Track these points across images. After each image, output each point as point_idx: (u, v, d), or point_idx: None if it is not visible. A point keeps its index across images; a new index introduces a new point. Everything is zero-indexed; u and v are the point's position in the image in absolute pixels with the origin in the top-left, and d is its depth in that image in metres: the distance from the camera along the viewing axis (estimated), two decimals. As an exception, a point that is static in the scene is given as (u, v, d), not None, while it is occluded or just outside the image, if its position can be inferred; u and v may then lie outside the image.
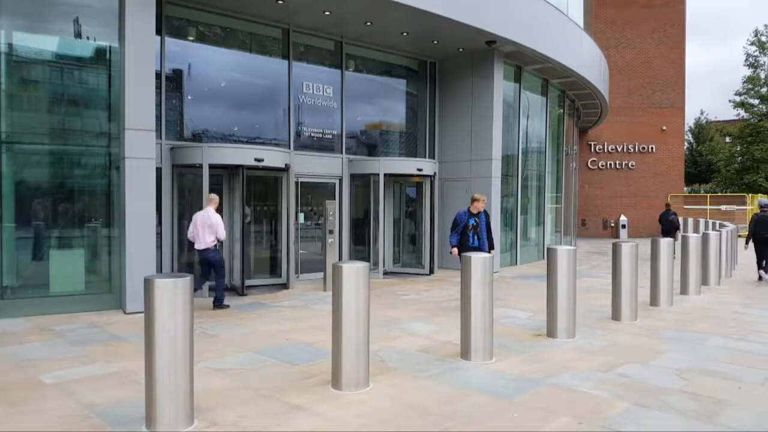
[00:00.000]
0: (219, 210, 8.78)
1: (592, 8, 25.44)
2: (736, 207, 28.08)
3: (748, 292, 10.50)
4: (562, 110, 18.31)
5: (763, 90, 34.80)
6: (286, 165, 10.31)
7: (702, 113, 60.42)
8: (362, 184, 12.70)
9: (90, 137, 8.60)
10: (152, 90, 8.34)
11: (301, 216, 11.62)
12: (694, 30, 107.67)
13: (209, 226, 8.35)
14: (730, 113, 37.50)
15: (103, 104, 8.67)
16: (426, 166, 12.42)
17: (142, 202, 8.17)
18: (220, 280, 8.56)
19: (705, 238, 10.97)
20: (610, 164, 27.47)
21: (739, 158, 37.38)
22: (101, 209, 8.72)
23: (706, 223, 20.29)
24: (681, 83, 27.46)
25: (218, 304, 8.55)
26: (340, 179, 12.27)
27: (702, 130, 48.40)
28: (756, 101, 35.26)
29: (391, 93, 13.83)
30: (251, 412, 4.32)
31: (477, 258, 5.71)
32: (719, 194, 34.11)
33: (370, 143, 13.40)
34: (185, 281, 3.91)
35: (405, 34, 11.91)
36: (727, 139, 40.24)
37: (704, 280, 10.77)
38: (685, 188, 36.65)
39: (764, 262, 12.12)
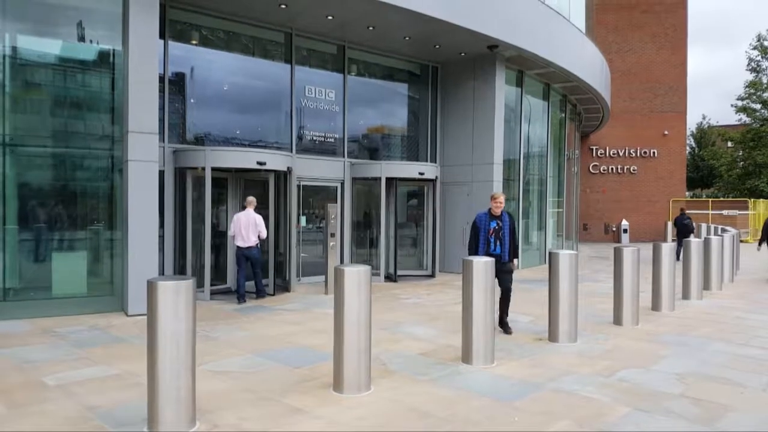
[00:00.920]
0: (221, 212, 8.87)
1: (593, 13, 25.49)
2: (738, 212, 28.05)
3: (750, 297, 10.49)
4: (563, 114, 18.33)
5: (766, 95, 34.80)
6: (288, 168, 10.34)
7: (704, 118, 60.35)
8: (364, 187, 12.72)
9: (93, 140, 8.63)
10: (155, 93, 8.37)
11: (303, 219, 11.64)
12: (698, 35, 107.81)
13: (254, 226, 9.25)
14: (733, 118, 37.52)
15: (106, 107, 8.70)
16: (428, 169, 12.43)
17: (144, 204, 8.19)
18: (260, 274, 9.61)
19: (707, 243, 10.97)
20: (612, 168, 27.46)
21: (741, 163, 37.37)
22: (104, 212, 8.75)
23: (708, 228, 20.26)
24: (683, 88, 27.46)
25: (261, 294, 9.61)
26: (342, 182, 12.29)
27: (704, 135, 48.38)
28: (758, 106, 35.26)
29: (393, 97, 13.87)
30: (252, 415, 4.34)
31: (479, 262, 5.72)
32: (721, 199, 34.10)
33: (371, 147, 13.43)
34: (188, 284, 3.93)
35: (407, 38, 11.95)
36: (729, 144, 40.24)
37: (706, 285, 10.76)
38: (687, 193, 36.61)
39: None
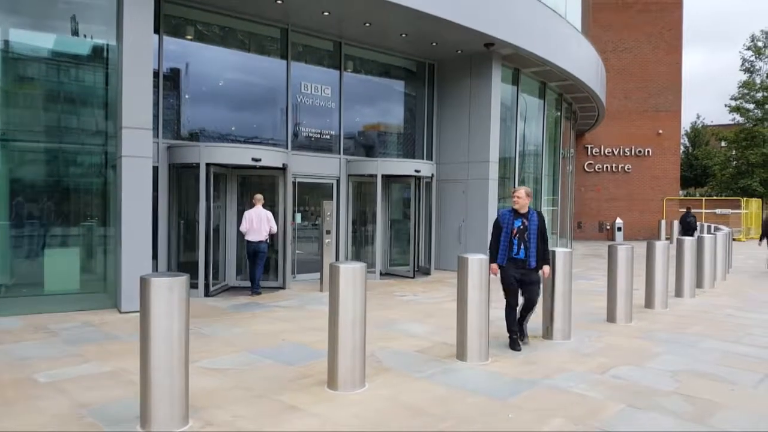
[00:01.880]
0: (216, 209, 8.83)
1: (589, 12, 25.50)
2: (731, 211, 28.19)
3: (742, 295, 10.54)
4: (559, 113, 18.36)
5: (759, 95, 34.98)
6: (283, 165, 10.31)
7: (698, 117, 60.60)
8: (360, 184, 12.70)
9: (86, 135, 8.58)
10: (150, 88, 8.33)
11: (299, 216, 11.62)
12: (698, 35, 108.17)
13: (265, 221, 9.72)
14: (727, 117, 37.71)
15: (100, 102, 8.65)
16: (424, 167, 12.43)
17: (138, 200, 8.15)
18: (261, 268, 9.90)
19: (700, 242, 11.02)
20: (607, 167, 27.53)
21: (734, 162, 37.57)
22: (97, 208, 8.71)
23: (701, 227, 20.36)
24: (677, 87, 27.55)
25: (256, 288, 9.80)
26: (337, 180, 12.27)
27: (698, 134, 48.60)
28: (751, 106, 35.44)
29: (389, 94, 13.84)
30: (246, 412, 4.32)
31: (473, 259, 5.72)
32: (714, 198, 34.26)
33: (368, 144, 13.41)
34: (181, 280, 3.91)
35: (404, 35, 11.92)
36: (723, 144, 40.44)
37: (699, 283, 10.81)
38: (681, 192, 36.77)
39: None
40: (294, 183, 11.22)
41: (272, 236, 9.97)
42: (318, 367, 5.39)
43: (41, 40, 8.38)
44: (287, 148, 11.22)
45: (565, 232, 20.08)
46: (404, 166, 12.35)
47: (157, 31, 9.35)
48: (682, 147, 41.02)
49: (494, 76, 13.03)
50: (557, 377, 5.29)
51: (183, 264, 10.00)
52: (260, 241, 9.70)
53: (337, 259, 11.69)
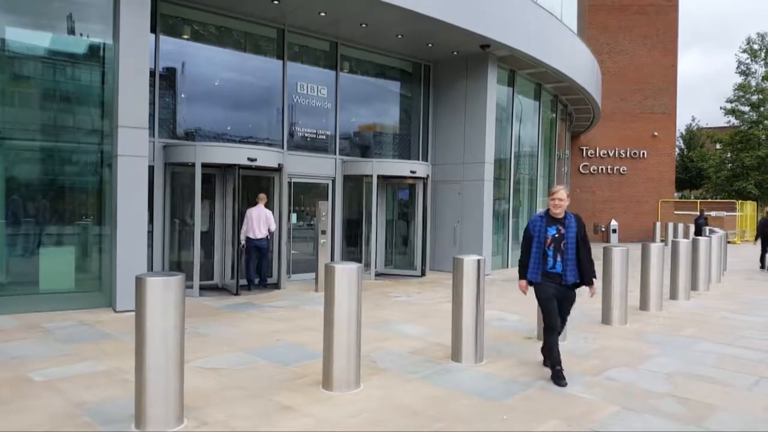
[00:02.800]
0: (211, 209, 8.83)
1: (585, 14, 25.60)
2: (726, 213, 28.28)
3: (736, 297, 10.59)
4: (554, 115, 18.40)
5: (754, 98, 35.15)
6: (279, 165, 10.30)
7: (693, 120, 60.91)
8: (355, 185, 12.71)
9: (82, 134, 8.56)
10: (146, 88, 8.31)
11: (294, 216, 11.62)
12: (698, 37, 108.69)
13: (265, 220, 10.13)
14: (723, 120, 37.89)
15: (96, 101, 8.63)
16: (419, 168, 12.44)
17: (133, 200, 8.13)
18: (265, 264, 10.43)
19: (694, 244, 11.06)
20: (602, 169, 27.60)
21: (729, 165, 37.75)
22: (92, 207, 8.68)
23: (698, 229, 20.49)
24: (673, 89, 27.64)
25: (264, 282, 10.41)
26: (333, 180, 12.27)
27: (693, 137, 48.80)
28: (746, 108, 35.62)
29: (385, 95, 13.85)
30: (241, 412, 4.32)
31: (468, 261, 5.73)
32: (709, 200, 34.39)
33: (363, 144, 13.41)
34: (177, 280, 3.90)
35: (400, 36, 11.93)
36: (718, 146, 40.61)
37: (693, 286, 10.85)
38: (676, 194, 36.92)
39: (766, 256, 15.37)
40: (290, 183, 11.22)
41: (272, 234, 10.30)
42: (313, 368, 5.39)
43: (37, 39, 8.35)
44: (283, 148, 11.21)
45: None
46: (400, 167, 12.36)
47: (153, 30, 9.34)
48: (677, 149, 41.20)
49: (490, 78, 13.05)
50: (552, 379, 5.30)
51: (178, 263, 9.99)
52: (260, 239, 10.10)
53: (332, 259, 11.69)
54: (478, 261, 5.76)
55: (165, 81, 10.07)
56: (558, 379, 5.08)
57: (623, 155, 27.55)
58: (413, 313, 8.51)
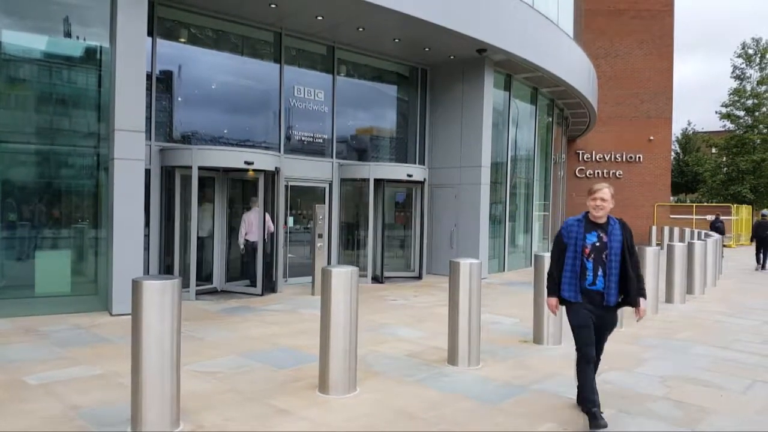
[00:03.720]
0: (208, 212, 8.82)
1: (582, 18, 25.68)
2: (721, 217, 28.36)
3: (731, 301, 10.63)
4: (550, 119, 18.45)
5: (749, 102, 35.34)
6: (276, 168, 10.31)
7: (689, 124, 61.16)
8: (352, 188, 12.71)
9: (78, 137, 8.55)
10: (142, 91, 8.31)
11: (291, 220, 11.62)
12: (698, 41, 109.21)
13: (262, 221, 10.21)
14: (720, 124, 38.09)
15: (92, 104, 8.62)
16: (416, 171, 12.46)
17: (130, 203, 8.12)
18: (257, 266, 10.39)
19: (690, 248, 11.10)
20: (598, 173, 27.68)
21: (725, 169, 37.93)
22: (88, 210, 8.67)
23: (692, 233, 20.51)
24: (669, 93, 27.76)
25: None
26: (330, 183, 12.27)
27: (689, 141, 49.03)
28: (742, 113, 35.80)
29: (382, 99, 13.88)
30: (237, 416, 4.32)
31: (465, 264, 5.74)
32: (705, 204, 34.51)
33: (360, 148, 13.43)
34: (173, 283, 3.90)
35: (397, 40, 11.96)
36: (713, 150, 40.79)
37: (689, 289, 10.88)
38: (672, 198, 37.03)
39: (761, 256, 16.61)
40: (286, 186, 11.22)
41: (270, 235, 10.43)
42: (309, 371, 5.39)
43: (34, 42, 8.34)
44: (280, 151, 11.22)
45: (557, 237, 20.15)
46: (396, 171, 12.37)
47: (150, 33, 9.33)
48: (673, 153, 41.34)
49: (486, 82, 13.09)
50: (547, 382, 5.31)
51: (174, 267, 9.96)
52: (256, 241, 10.18)
53: (328, 262, 11.69)
54: (475, 264, 5.78)
55: (162, 84, 10.07)
56: (596, 422, 4.04)
57: (619, 159, 27.64)
58: (410, 316, 8.52)
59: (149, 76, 9.36)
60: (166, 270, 9.74)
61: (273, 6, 10.01)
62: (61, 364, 5.63)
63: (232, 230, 10.71)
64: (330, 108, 12.30)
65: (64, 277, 8.33)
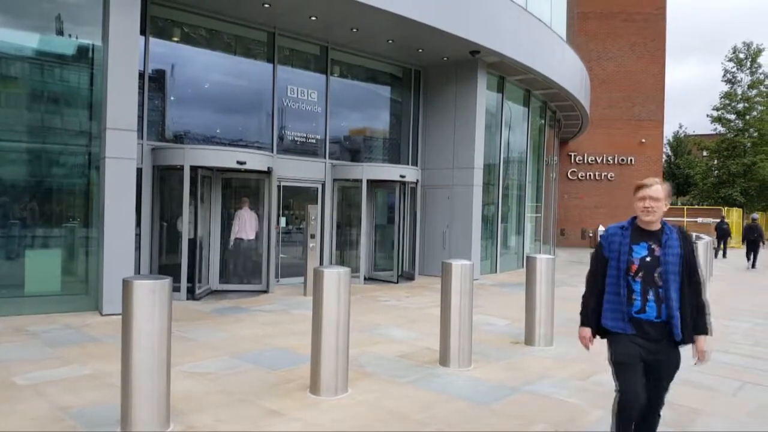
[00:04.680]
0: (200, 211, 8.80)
1: (574, 21, 25.78)
2: (712, 220, 28.58)
3: (723, 303, 10.68)
4: (543, 121, 18.51)
5: (740, 106, 35.61)
6: (268, 168, 10.28)
7: (680, 127, 61.56)
8: (345, 189, 12.70)
9: (70, 136, 8.49)
10: (135, 90, 8.26)
11: (283, 220, 11.60)
12: (695, 47, 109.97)
13: (254, 220, 10.74)
14: (711, 128, 38.37)
15: (84, 103, 8.57)
16: (409, 172, 12.46)
17: (121, 202, 8.08)
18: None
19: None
20: (590, 175, 27.79)
21: (716, 172, 38.17)
22: (79, 209, 8.61)
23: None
24: (660, 96, 27.92)
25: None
26: (322, 184, 12.26)
27: (680, 144, 49.34)
28: (733, 116, 36.07)
29: (375, 99, 13.88)
30: (228, 417, 4.30)
31: (457, 265, 5.74)
32: (696, 207, 34.76)
33: (353, 149, 13.42)
34: (164, 283, 3.88)
35: (391, 41, 11.97)
36: (704, 153, 41.07)
37: (680, 291, 10.92)
38: (663, 200, 37.15)
39: (752, 257, 18.04)
40: (279, 186, 11.20)
41: (256, 234, 10.84)
42: (301, 372, 5.38)
43: (25, 39, 8.27)
44: (273, 151, 11.19)
45: (549, 239, 20.25)
46: (389, 172, 12.37)
47: (143, 32, 9.29)
48: (664, 156, 41.61)
49: (479, 84, 13.12)
50: (539, 383, 5.32)
51: (165, 266, 9.92)
52: (250, 240, 10.65)
53: (321, 263, 11.67)
54: (467, 265, 5.78)
55: (154, 83, 10.02)
56: None
57: (611, 161, 27.76)
58: (402, 317, 8.51)
59: (142, 75, 9.32)
60: (158, 270, 9.69)
61: (266, 6, 9.99)
62: (51, 364, 5.58)
63: (224, 230, 10.68)
64: (323, 108, 12.29)
65: (54, 277, 8.27)
